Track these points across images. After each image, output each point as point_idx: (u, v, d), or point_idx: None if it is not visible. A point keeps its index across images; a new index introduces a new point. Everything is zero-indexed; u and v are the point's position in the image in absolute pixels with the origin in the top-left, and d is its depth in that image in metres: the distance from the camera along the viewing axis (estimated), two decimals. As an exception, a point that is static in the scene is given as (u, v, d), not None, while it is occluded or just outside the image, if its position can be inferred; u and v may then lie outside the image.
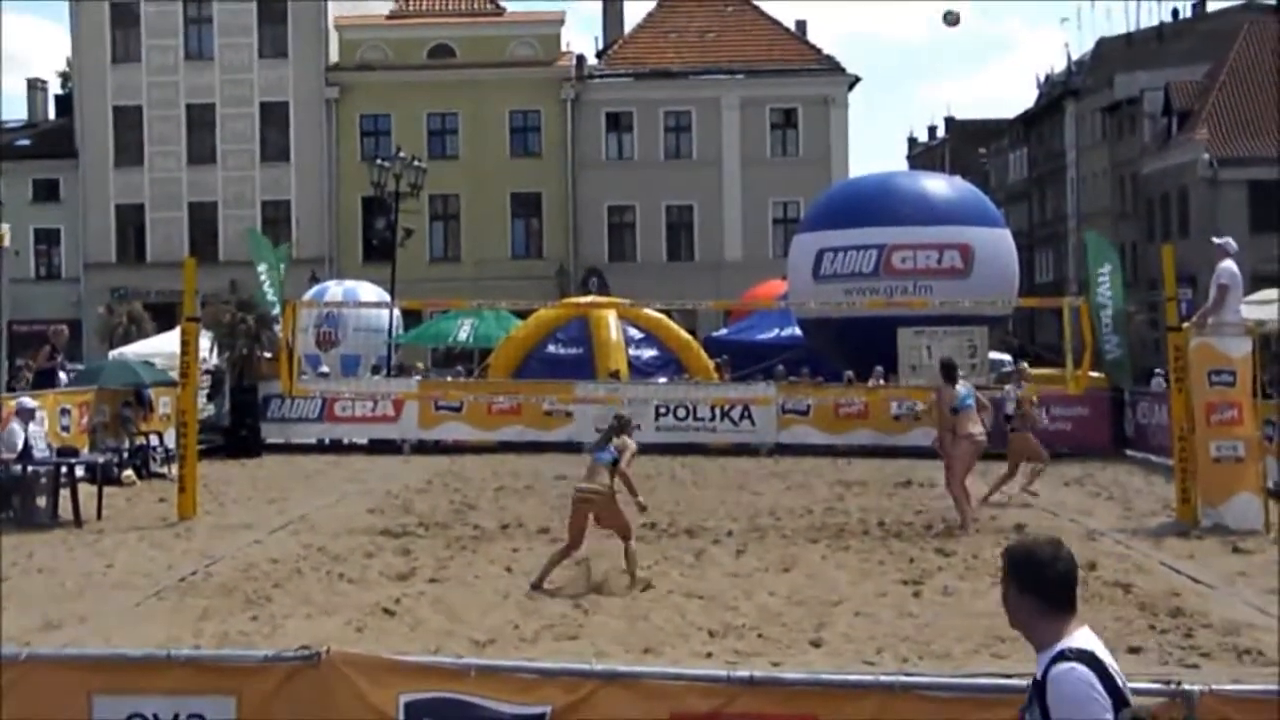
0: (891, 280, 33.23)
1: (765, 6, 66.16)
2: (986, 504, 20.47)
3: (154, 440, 26.90)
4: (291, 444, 31.53)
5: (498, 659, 8.86)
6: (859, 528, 18.74)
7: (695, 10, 64.20)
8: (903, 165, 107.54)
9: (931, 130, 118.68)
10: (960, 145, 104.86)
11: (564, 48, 62.29)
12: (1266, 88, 64.12)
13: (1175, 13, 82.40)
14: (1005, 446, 21.91)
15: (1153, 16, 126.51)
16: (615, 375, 32.84)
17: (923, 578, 14.74)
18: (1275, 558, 15.73)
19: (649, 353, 35.64)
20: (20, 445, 20.04)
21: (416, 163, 45.73)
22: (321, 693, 6.75)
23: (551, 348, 35.18)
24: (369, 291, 42.72)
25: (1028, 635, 4.95)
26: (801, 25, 66.61)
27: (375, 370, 39.07)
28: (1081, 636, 4.86)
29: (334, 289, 43.82)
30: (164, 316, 42.82)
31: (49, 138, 63.85)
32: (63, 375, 28.18)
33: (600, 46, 66.09)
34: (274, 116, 60.93)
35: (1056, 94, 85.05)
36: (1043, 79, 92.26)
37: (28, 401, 21.52)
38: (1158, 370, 30.82)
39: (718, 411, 31.60)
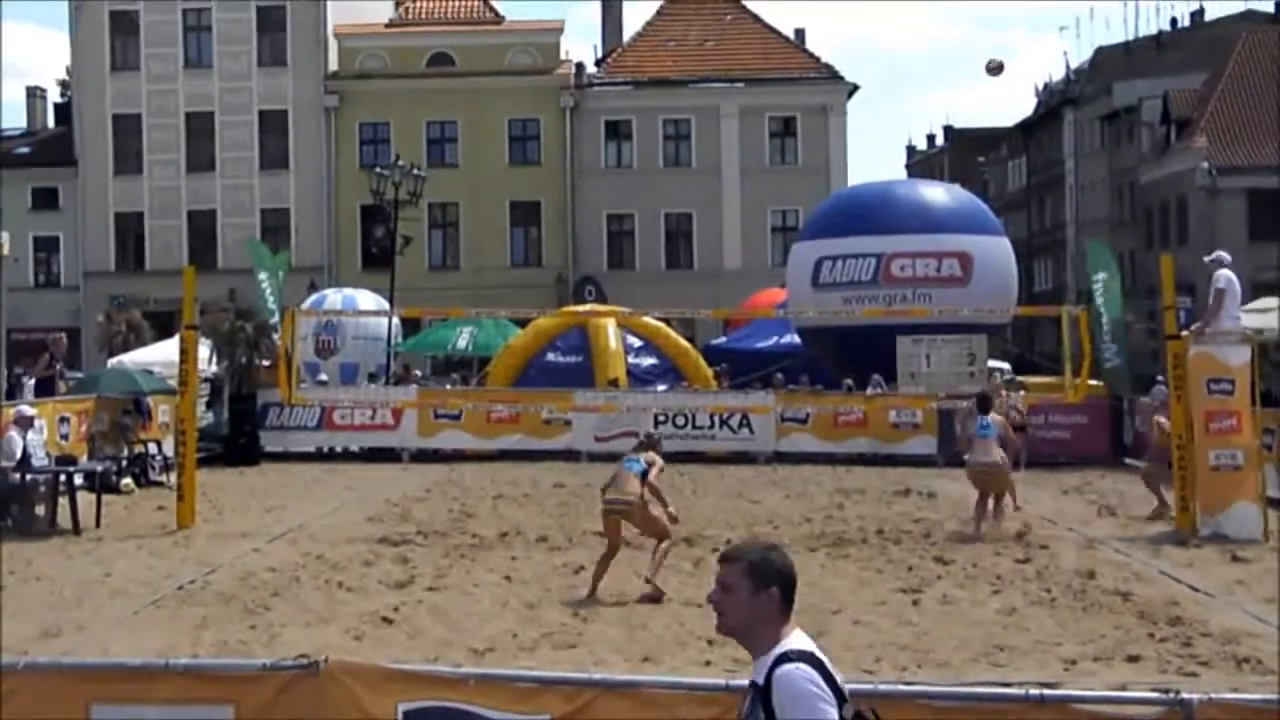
0: (890, 288, 33.24)
1: (764, 15, 66.27)
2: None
3: (153, 448, 26.88)
4: (290, 452, 31.54)
5: (496, 667, 8.86)
6: (858, 536, 18.74)
7: (694, 19, 64.23)
8: (901, 174, 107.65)
9: (930, 139, 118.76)
10: (959, 154, 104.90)
11: (563, 56, 62.32)
12: (1265, 96, 64.17)
13: (1174, 21, 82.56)
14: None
15: (1151, 25, 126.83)
16: (614, 383, 32.88)
17: (921, 586, 14.74)
18: (1273, 566, 15.73)
19: (648, 361, 35.66)
20: (19, 453, 20.06)
21: (415, 171, 45.76)
22: (320, 701, 6.75)
23: (551, 356, 35.20)
24: (368, 299, 42.72)
25: (751, 638, 4.87)
26: (800, 34, 66.68)
27: (372, 378, 39.01)
28: (799, 638, 4.86)
29: (333, 297, 43.82)
30: (163, 325, 42.85)
31: (48, 146, 63.87)
32: (61, 384, 28.20)
33: (599, 55, 66.12)
34: (273, 124, 60.93)
35: (1055, 102, 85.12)
36: (1041, 88, 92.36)
37: (26, 410, 21.54)
38: (1158, 378, 30.86)
39: (716, 419, 31.65)
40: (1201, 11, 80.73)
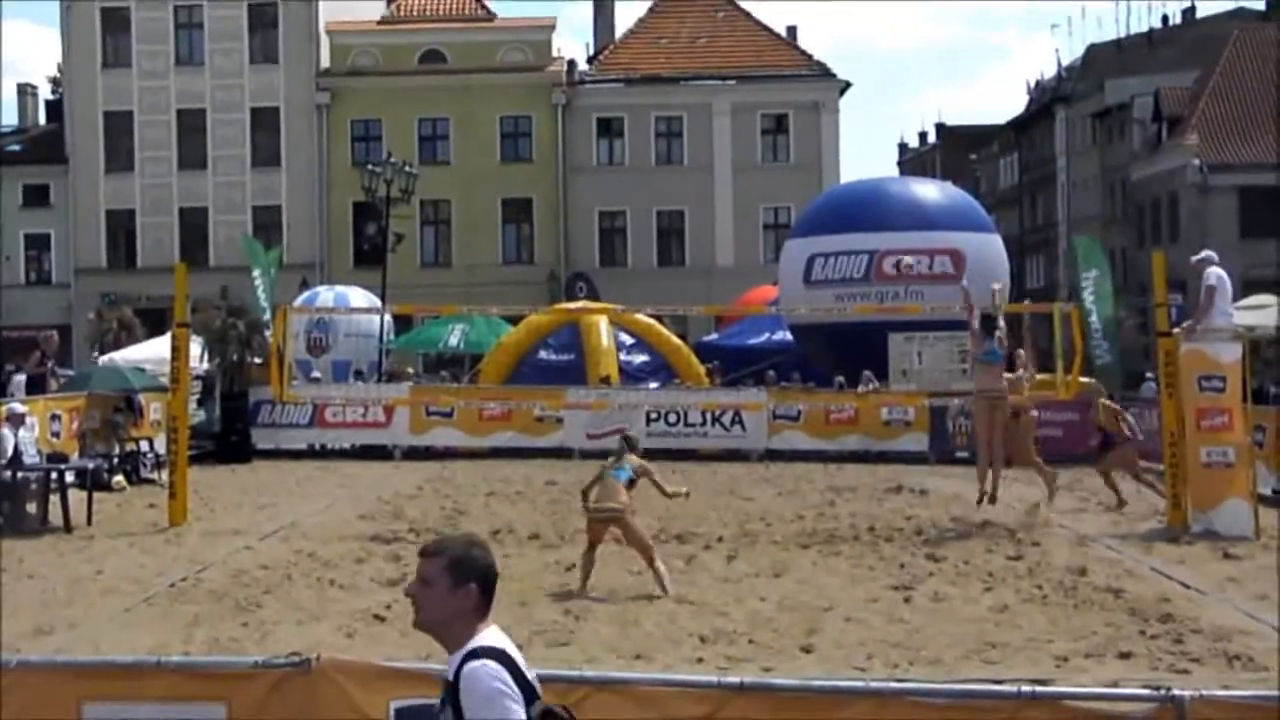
0: (882, 285, 33.26)
1: (756, 12, 66.29)
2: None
3: (144, 446, 26.87)
4: (282, 450, 31.52)
5: (488, 665, 8.83)
6: (850, 533, 18.76)
7: (686, 15, 64.22)
8: (893, 171, 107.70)
9: (922, 136, 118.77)
10: (951, 151, 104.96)
11: (555, 53, 62.27)
12: (1256, 94, 64.23)
13: (1165, 19, 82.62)
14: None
15: (1142, 22, 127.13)
16: (606, 381, 32.92)
17: (913, 583, 14.76)
18: (1265, 563, 15.76)
19: (640, 358, 35.66)
20: (10, 451, 20.03)
21: (407, 168, 45.70)
22: (312, 699, 6.74)
23: (543, 353, 35.17)
24: (360, 297, 42.63)
25: (447, 634, 4.87)
26: (792, 31, 66.65)
27: (359, 375, 38.88)
28: (493, 635, 4.87)
29: (325, 294, 43.73)
30: (154, 322, 42.74)
31: (39, 143, 63.76)
32: (53, 381, 28.16)
33: (591, 52, 66.09)
34: (265, 122, 60.86)
35: (1047, 100, 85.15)
36: (1033, 85, 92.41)
37: (17, 407, 21.52)
38: (1149, 375, 30.89)
39: (708, 417, 31.66)
40: (1193, 9, 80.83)
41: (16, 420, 20.75)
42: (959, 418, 29.39)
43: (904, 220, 33.82)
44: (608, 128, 61.18)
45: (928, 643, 11.74)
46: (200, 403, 31.25)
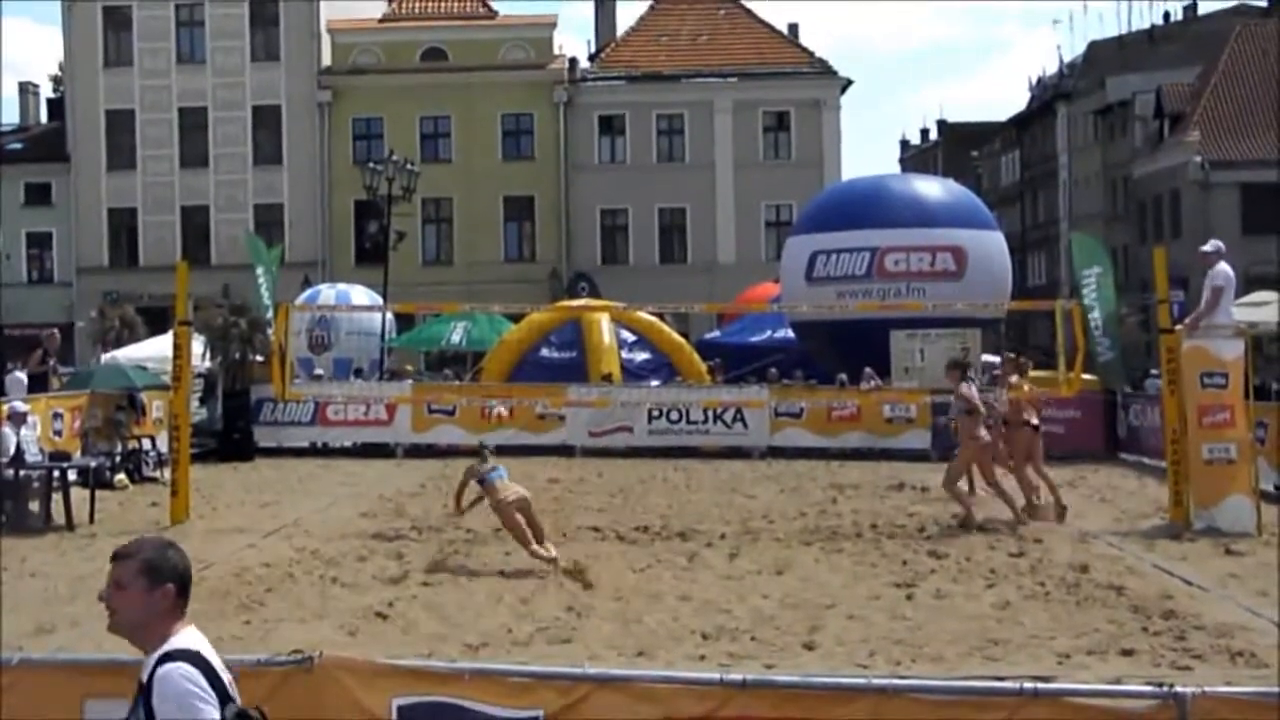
0: (884, 283, 33.24)
1: (757, 9, 66.25)
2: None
3: (146, 444, 26.85)
4: (284, 448, 31.52)
5: (490, 662, 8.86)
6: (852, 530, 18.75)
7: (687, 13, 64.23)
8: (895, 168, 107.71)
9: (924, 133, 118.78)
10: (952, 148, 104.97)
11: (556, 51, 62.29)
12: (1258, 90, 64.22)
13: (1167, 15, 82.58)
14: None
15: (1144, 19, 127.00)
16: (608, 378, 32.95)
17: (915, 580, 14.75)
18: (1266, 560, 15.75)
19: (642, 356, 35.55)
20: (12, 449, 20.03)
21: (409, 166, 45.71)
22: (314, 697, 6.75)
23: (545, 351, 35.04)
24: (361, 295, 42.58)
25: (142, 636, 4.84)
26: (794, 28, 66.72)
27: (359, 373, 38.91)
28: (188, 637, 4.85)
29: (326, 292, 43.75)
30: (156, 320, 42.78)
31: (41, 141, 63.78)
32: (55, 380, 28.16)
33: (593, 49, 66.09)
34: (266, 120, 60.90)
35: (1048, 97, 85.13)
36: (1035, 82, 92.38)
37: (19, 405, 21.52)
38: (1154, 371, 30.85)
39: (710, 414, 31.60)
40: (1194, 6, 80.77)
41: (18, 419, 20.75)
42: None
43: (906, 217, 33.79)
44: (609, 125, 61.20)
45: (930, 639, 11.74)
46: (202, 401, 31.24)
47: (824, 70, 61.62)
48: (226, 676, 4.81)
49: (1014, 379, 21.23)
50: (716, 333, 44.65)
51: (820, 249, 34.71)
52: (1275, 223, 56.98)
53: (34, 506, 19.98)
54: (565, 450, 31.13)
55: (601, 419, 31.50)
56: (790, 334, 37.58)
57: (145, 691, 4.73)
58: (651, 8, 65.57)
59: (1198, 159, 62.47)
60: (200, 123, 60.52)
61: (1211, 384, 18.57)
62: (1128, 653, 11.11)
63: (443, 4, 64.09)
